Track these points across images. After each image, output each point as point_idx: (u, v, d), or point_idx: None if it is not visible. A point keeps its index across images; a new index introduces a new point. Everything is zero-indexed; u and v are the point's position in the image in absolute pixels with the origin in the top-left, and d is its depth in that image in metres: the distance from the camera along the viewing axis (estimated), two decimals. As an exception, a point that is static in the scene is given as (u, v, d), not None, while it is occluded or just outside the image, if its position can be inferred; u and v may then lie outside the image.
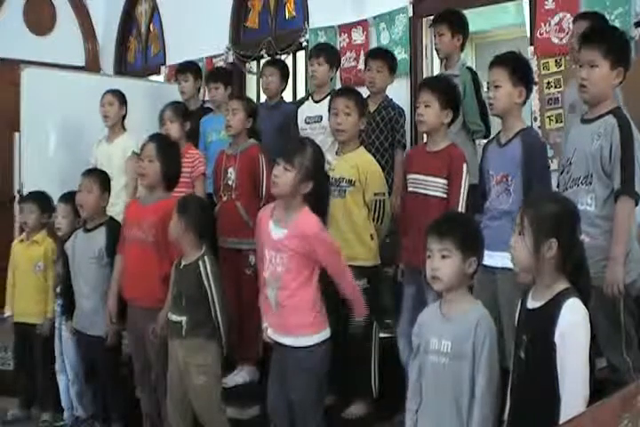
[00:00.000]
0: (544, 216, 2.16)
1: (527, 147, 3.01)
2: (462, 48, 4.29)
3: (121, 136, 4.89)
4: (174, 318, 3.30)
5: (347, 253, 3.38)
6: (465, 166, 3.25)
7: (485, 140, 4.21)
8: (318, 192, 2.95)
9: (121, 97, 4.90)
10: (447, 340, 2.36)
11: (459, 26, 4.21)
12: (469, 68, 4.25)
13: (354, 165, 3.49)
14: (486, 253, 2.53)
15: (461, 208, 3.21)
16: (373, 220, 3.52)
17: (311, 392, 2.95)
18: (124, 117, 4.93)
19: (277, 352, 3.03)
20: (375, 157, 4.05)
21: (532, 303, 2.23)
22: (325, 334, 2.95)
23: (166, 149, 3.66)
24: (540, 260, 2.16)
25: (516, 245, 2.21)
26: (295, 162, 2.91)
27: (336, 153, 3.66)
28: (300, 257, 2.89)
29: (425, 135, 3.57)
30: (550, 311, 2.12)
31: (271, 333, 3.01)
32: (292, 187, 2.90)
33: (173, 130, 4.43)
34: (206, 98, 5.49)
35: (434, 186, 3.27)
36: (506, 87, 3.04)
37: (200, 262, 3.28)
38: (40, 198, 4.50)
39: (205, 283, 3.26)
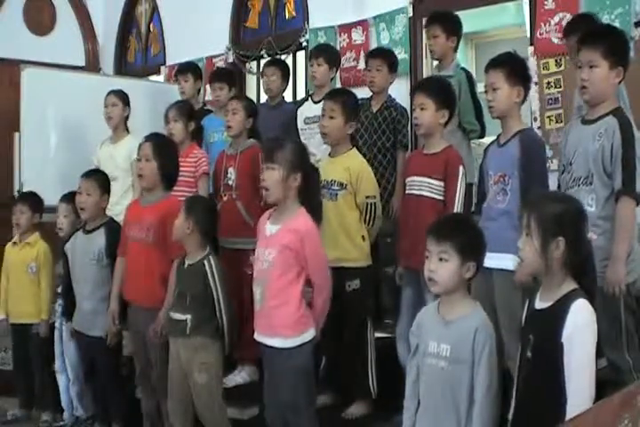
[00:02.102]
0: (550, 216, 2.16)
1: (525, 147, 3.01)
2: (456, 49, 4.26)
3: (125, 137, 4.86)
4: (177, 316, 3.30)
5: (339, 255, 3.40)
6: (461, 169, 3.25)
7: (482, 140, 4.24)
8: (309, 184, 2.95)
9: (124, 98, 4.87)
10: (446, 344, 2.35)
11: (452, 27, 4.18)
12: (464, 69, 4.24)
13: (345, 168, 3.50)
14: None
15: (457, 211, 3.20)
16: (364, 222, 3.53)
17: (300, 393, 2.94)
18: (126, 118, 4.90)
19: (265, 354, 3.03)
20: (377, 157, 4.05)
21: (539, 304, 2.22)
22: (310, 334, 2.94)
23: (163, 147, 3.66)
24: (549, 260, 2.15)
25: (524, 247, 2.21)
26: (277, 158, 2.91)
27: (329, 155, 3.67)
28: (290, 253, 2.88)
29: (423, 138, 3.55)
30: (558, 312, 2.12)
31: (257, 336, 3.01)
32: (282, 183, 2.90)
33: (177, 129, 4.41)
34: (207, 98, 5.48)
35: (428, 187, 3.27)
36: (504, 89, 3.04)
37: (205, 262, 3.30)
38: (31, 199, 4.51)
39: (211, 282, 3.27)
